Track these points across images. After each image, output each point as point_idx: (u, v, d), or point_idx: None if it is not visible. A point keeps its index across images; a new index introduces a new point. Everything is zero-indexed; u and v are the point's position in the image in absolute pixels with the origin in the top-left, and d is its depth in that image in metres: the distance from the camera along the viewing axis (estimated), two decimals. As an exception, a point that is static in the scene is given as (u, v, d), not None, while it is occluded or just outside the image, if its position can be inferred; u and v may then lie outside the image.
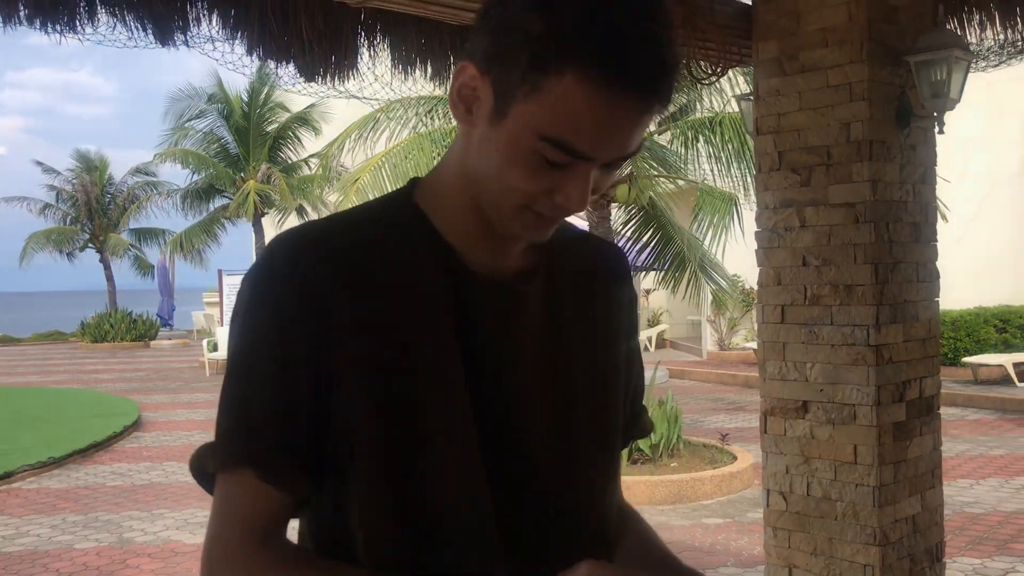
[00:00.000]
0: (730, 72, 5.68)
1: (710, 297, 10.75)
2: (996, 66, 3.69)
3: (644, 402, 1.24)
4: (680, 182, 10.26)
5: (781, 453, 3.53)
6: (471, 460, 0.96)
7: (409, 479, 0.95)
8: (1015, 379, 12.19)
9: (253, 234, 23.03)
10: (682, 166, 9.46)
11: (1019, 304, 13.44)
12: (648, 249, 9.59)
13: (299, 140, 23.44)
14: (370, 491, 0.96)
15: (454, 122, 8.98)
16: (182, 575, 5.78)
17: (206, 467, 0.98)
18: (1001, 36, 3.43)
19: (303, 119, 22.76)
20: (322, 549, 1.01)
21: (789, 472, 3.50)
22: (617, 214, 9.58)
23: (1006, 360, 12.41)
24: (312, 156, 21.58)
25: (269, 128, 23.43)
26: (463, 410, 0.96)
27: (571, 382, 1.06)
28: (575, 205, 0.94)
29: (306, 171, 23.02)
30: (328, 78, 3.40)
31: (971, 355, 12.91)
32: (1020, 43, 3.35)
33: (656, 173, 9.53)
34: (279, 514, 0.96)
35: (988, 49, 3.38)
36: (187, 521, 7.10)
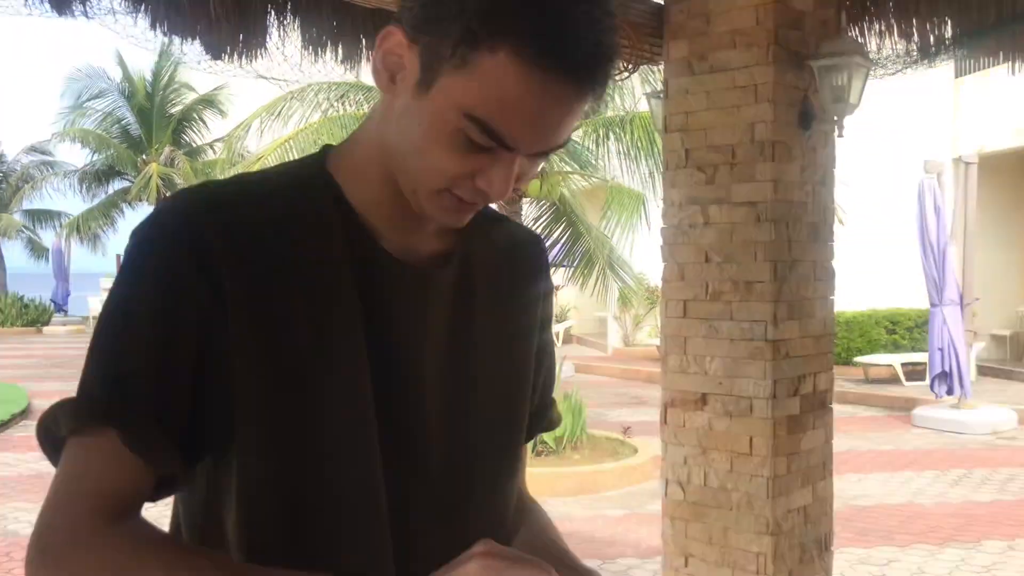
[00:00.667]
0: (643, 71, 5.77)
1: (617, 294, 10.91)
2: (893, 74, 3.84)
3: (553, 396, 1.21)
4: (592, 179, 10.37)
5: (680, 444, 3.60)
6: (366, 443, 0.92)
7: (297, 458, 0.89)
8: (903, 378, 12.72)
9: (155, 218, 22.34)
10: (593, 163, 9.56)
11: (908, 307, 14.03)
12: (558, 246, 9.67)
13: (204, 123, 22.86)
14: (255, 468, 0.89)
15: (366, 109, 8.91)
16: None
17: (57, 430, 0.86)
18: (899, 46, 3.56)
19: (209, 101, 22.21)
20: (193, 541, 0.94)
21: (687, 463, 3.57)
22: (528, 209, 9.63)
23: (895, 360, 12.94)
24: (218, 140, 21.08)
25: (173, 110, 22.78)
26: (362, 392, 0.91)
27: (477, 372, 1.02)
28: (496, 192, 0.89)
29: (211, 155, 22.47)
30: (236, 57, 3.32)
31: (863, 355, 13.43)
32: (916, 54, 3.49)
33: (569, 169, 9.60)
34: (137, 490, 0.85)
35: (886, 57, 3.52)
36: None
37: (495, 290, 1.05)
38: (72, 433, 0.85)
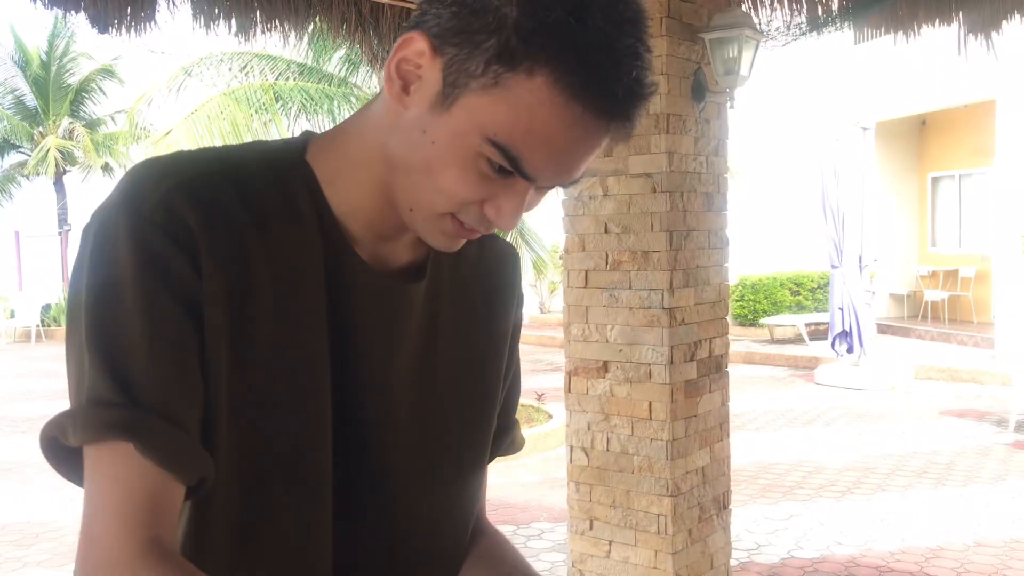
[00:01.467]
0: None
1: (531, 264, 11.00)
2: (784, 46, 3.94)
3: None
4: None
5: (583, 411, 3.68)
6: (318, 434, 0.88)
7: (247, 449, 0.85)
8: (806, 338, 13.16)
9: (55, 193, 21.54)
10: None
11: (811, 270, 14.48)
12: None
13: (104, 93, 22.01)
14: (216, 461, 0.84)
15: (271, 79, 8.70)
16: (-29, 556, 5.43)
17: (65, 439, 0.80)
18: (788, 17, 3.66)
19: (108, 71, 21.38)
20: None
21: (591, 429, 3.66)
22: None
23: (799, 321, 13.37)
24: (119, 112, 20.36)
25: (71, 80, 21.87)
26: (320, 386, 0.88)
27: (445, 389, 0.98)
28: (505, 222, 0.83)
29: (112, 127, 21.67)
30: (123, 30, 3.23)
31: (768, 316, 13.83)
32: (804, 24, 3.59)
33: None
34: (171, 500, 0.80)
35: (776, 29, 3.61)
36: (-22, 499, 6.65)
37: (467, 305, 1.01)
38: (89, 443, 0.79)
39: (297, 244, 0.87)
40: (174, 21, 3.20)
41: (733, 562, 4.23)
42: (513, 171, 0.80)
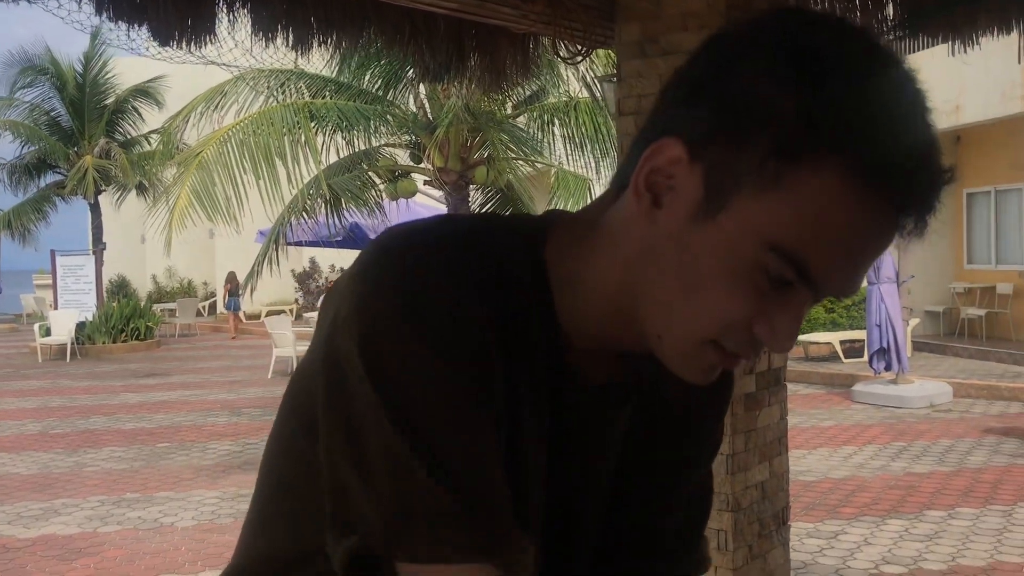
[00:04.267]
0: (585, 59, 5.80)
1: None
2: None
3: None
4: (538, 164, 10.40)
5: (640, 425, 3.64)
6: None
7: None
8: (841, 356, 13.03)
9: (89, 213, 21.80)
10: (539, 149, 9.60)
11: (846, 286, 14.35)
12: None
13: (139, 114, 22.29)
14: None
15: (307, 96, 8.73)
16: (14, 572, 5.45)
17: (370, 550, 0.71)
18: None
19: (143, 91, 21.66)
20: None
21: (647, 443, 3.62)
22: (475, 196, 9.63)
23: (834, 338, 13.25)
24: (153, 132, 20.60)
25: (107, 100, 22.17)
26: (536, 524, 0.81)
27: (624, 522, 0.92)
28: (780, 343, 0.73)
29: (146, 147, 21.94)
30: (183, 42, 3.25)
31: (803, 333, 13.72)
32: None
33: (514, 155, 9.62)
34: None
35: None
36: (20, 515, 6.69)
37: (664, 437, 0.92)
38: (421, 560, 0.70)
39: (534, 366, 0.78)
40: (233, 33, 3.22)
41: (787, 580, 4.16)
42: (796, 280, 0.70)
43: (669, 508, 0.97)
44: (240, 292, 21.31)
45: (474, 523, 0.70)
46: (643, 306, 0.76)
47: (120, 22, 3.04)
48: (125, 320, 19.34)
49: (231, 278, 21.83)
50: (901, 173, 0.67)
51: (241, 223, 8.66)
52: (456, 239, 0.77)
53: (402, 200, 9.96)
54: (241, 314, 22.81)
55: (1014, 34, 3.63)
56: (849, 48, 0.69)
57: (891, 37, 3.72)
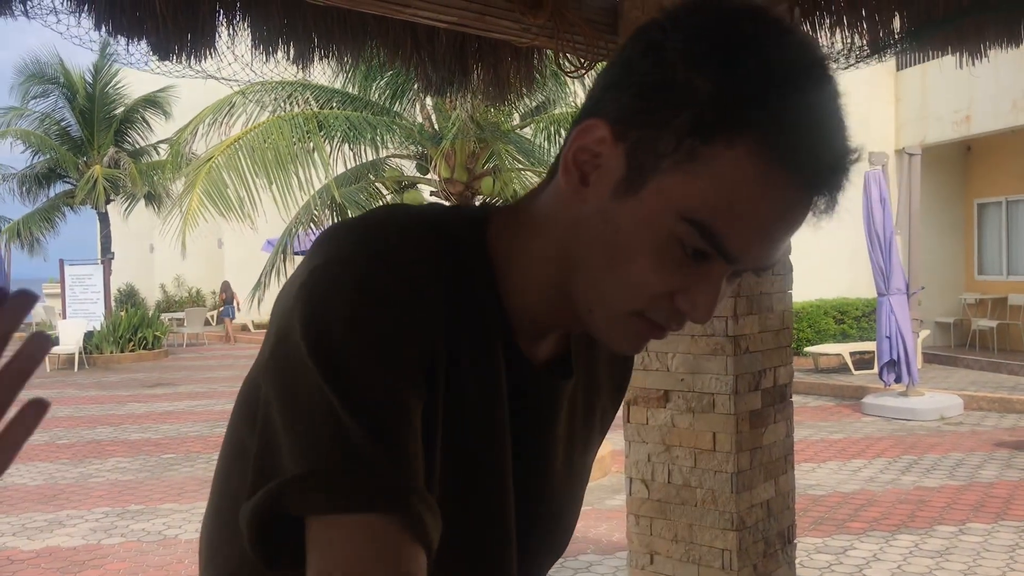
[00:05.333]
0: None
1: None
2: (845, 68, 3.87)
3: None
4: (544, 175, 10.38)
5: (643, 442, 3.60)
6: (507, 548, 0.86)
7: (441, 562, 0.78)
8: (851, 367, 12.94)
9: (98, 222, 21.87)
10: (546, 159, 9.57)
11: (855, 297, 14.27)
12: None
13: (148, 124, 22.39)
14: None
15: (315, 107, 8.75)
16: (18, 584, 5.43)
17: (282, 508, 0.71)
18: (849, 40, 3.59)
19: (152, 101, 21.76)
20: None
21: (651, 460, 3.57)
22: (481, 206, 9.61)
23: (843, 350, 13.16)
24: (162, 142, 20.68)
25: (116, 111, 22.28)
26: (507, 511, 0.86)
27: (562, 491, 0.96)
28: (699, 314, 0.76)
29: (155, 156, 22.03)
30: (183, 57, 3.23)
31: (812, 345, 13.63)
32: (866, 48, 3.53)
33: (520, 166, 9.60)
34: None
35: (839, 52, 3.55)
36: (25, 526, 6.68)
37: (590, 405, 0.98)
38: (319, 513, 0.71)
39: (486, 349, 0.82)
40: (233, 47, 3.20)
41: (794, 598, 4.10)
42: (711, 253, 0.73)
43: (581, 491, 1.02)
44: (235, 300, 23.71)
45: (381, 476, 0.71)
46: (575, 282, 0.80)
47: (119, 36, 3.02)
48: (133, 329, 19.38)
49: (225, 287, 24.13)
50: (809, 151, 0.71)
51: (255, 222, 8.63)
52: (402, 231, 0.80)
53: (409, 211, 9.93)
54: (243, 323, 24.77)
55: (1023, 46, 3.59)
56: (764, 34, 0.72)
57: (899, 49, 3.68)
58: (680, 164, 0.72)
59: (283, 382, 0.74)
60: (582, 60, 3.54)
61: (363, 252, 0.76)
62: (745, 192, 0.71)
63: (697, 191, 0.72)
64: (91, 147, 21.85)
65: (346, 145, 9.13)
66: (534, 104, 9.25)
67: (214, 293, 28.18)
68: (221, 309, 24.56)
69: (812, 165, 0.71)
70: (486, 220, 0.86)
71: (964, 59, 3.75)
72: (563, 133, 9.09)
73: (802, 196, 0.73)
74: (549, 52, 3.82)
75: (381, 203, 9.49)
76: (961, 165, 15.17)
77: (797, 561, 5.24)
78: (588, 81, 8.29)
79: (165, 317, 23.25)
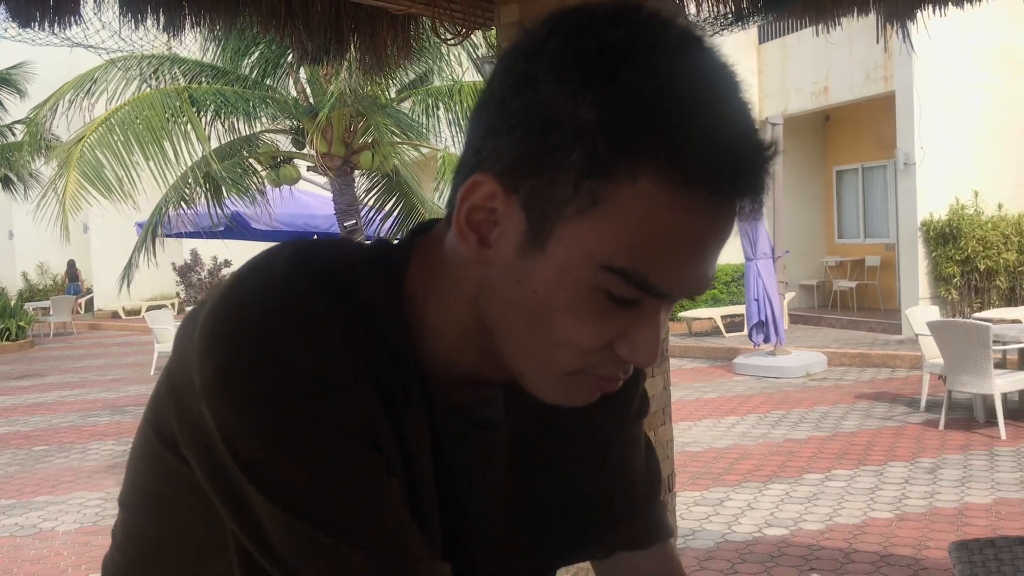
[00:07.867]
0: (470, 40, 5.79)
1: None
2: (712, 36, 4.03)
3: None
4: (424, 150, 10.34)
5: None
6: None
7: None
8: (723, 330, 13.47)
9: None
10: (424, 132, 9.55)
11: (724, 263, 14.83)
12: (391, 218, 9.61)
13: (1, 105, 21.12)
14: None
15: (183, 81, 8.45)
16: None
17: None
18: (715, 9, 3.74)
19: (5, 79, 20.53)
20: None
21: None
22: (361, 181, 9.51)
23: (715, 314, 13.69)
24: (17, 123, 19.55)
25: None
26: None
27: (540, 519, 0.89)
28: (644, 358, 0.69)
29: (10, 138, 20.82)
30: (45, 24, 3.11)
31: (685, 310, 14.12)
32: (731, 15, 3.68)
33: (399, 140, 9.54)
34: None
35: (705, 20, 3.70)
36: None
37: (547, 433, 0.88)
38: None
39: (407, 405, 0.74)
40: (100, 14, 3.10)
41: (675, 545, 4.30)
42: (639, 295, 0.67)
43: (599, 488, 0.93)
44: (79, 278, 25.10)
45: (384, 568, 0.68)
46: (498, 343, 0.73)
47: (-26, 2, 2.88)
48: (-6, 320, 18.40)
49: (70, 265, 24.94)
50: (719, 160, 0.64)
51: (136, 201, 8.30)
52: (314, 284, 0.71)
53: (286, 187, 9.75)
54: (112, 310, 24.62)
55: (871, 15, 3.81)
56: (638, 38, 0.65)
57: (761, 19, 3.85)
58: (584, 210, 0.65)
59: (231, 499, 0.70)
60: (459, 28, 3.57)
61: (267, 357, 0.66)
62: (662, 224, 0.64)
63: (610, 235, 0.64)
64: (-63, 128, 20.51)
65: (218, 121, 8.87)
66: (412, 77, 9.21)
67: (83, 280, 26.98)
68: (66, 287, 25.18)
69: (726, 174, 0.64)
70: (408, 262, 0.77)
71: (820, 29, 3.95)
72: (441, 106, 9.07)
73: (724, 208, 0.66)
74: (425, 21, 3.84)
75: (256, 179, 9.28)
76: (820, 134, 15.91)
77: (677, 514, 5.48)
78: (460, 51, 8.32)
79: (29, 306, 22.11)
